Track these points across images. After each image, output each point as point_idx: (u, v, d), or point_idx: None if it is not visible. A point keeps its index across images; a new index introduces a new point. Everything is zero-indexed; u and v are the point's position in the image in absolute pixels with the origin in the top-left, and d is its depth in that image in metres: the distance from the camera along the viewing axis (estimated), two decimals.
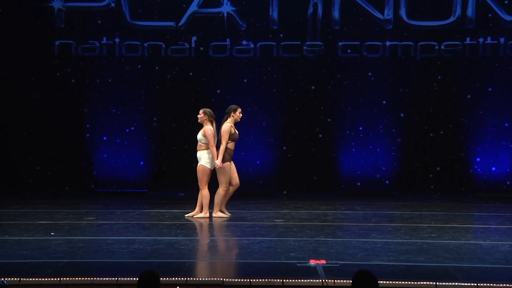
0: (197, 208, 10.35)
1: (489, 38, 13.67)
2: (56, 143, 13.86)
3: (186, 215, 10.44)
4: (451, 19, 13.75)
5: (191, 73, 13.95)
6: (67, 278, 6.57)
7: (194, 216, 10.35)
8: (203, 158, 10.29)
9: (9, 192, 13.40)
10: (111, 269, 7.18)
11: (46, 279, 6.57)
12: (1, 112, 13.83)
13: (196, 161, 13.83)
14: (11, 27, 13.75)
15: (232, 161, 10.34)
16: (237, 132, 10.35)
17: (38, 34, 13.78)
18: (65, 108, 13.90)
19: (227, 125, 10.22)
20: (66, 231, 9.35)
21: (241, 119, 10.39)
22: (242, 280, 6.58)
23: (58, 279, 6.54)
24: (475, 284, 6.49)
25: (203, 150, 10.31)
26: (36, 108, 13.84)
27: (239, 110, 10.37)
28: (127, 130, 13.89)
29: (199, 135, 10.32)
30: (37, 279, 6.55)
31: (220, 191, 10.27)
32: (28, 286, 6.47)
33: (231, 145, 10.26)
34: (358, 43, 13.82)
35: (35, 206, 11.75)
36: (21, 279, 6.51)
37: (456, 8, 13.70)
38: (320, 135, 13.97)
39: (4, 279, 6.14)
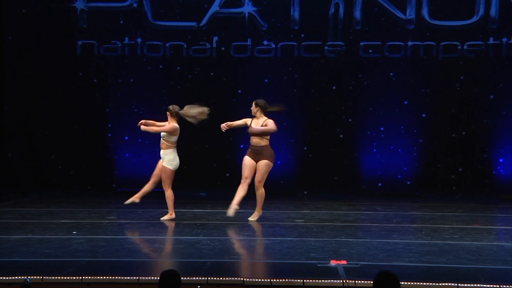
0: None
1: None
2: (79, 143, 13.95)
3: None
4: (474, 18, 13.65)
5: (212, 73, 13.97)
6: (89, 277, 6.61)
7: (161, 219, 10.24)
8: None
9: (32, 191, 13.51)
10: (133, 268, 7.22)
11: (68, 277, 6.61)
12: (25, 111, 13.94)
13: (216, 160, 13.88)
14: (34, 28, 13.86)
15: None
16: (252, 126, 10.00)
17: (61, 34, 13.88)
18: (87, 107, 13.98)
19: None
20: (88, 230, 9.42)
21: (253, 112, 10.11)
22: (262, 280, 6.58)
23: (80, 277, 6.59)
24: (497, 286, 6.45)
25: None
26: (59, 107, 13.93)
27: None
28: None
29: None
30: (59, 277, 6.60)
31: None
32: (50, 285, 6.52)
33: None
34: (380, 43, 13.76)
35: (57, 205, 11.84)
36: (44, 277, 6.56)
37: (479, 8, 13.59)
38: (341, 136, 13.93)
39: (27, 277, 6.20)
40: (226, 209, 9.99)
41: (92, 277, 6.61)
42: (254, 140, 10.04)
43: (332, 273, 6.90)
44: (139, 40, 13.93)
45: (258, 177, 9.98)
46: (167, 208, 10.38)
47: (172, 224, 10.07)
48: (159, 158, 10.40)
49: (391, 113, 13.80)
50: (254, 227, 9.91)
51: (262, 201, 10.11)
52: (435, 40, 13.68)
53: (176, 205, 11.20)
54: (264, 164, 10.01)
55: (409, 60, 13.78)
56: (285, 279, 6.60)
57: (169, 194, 10.19)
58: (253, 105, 10.16)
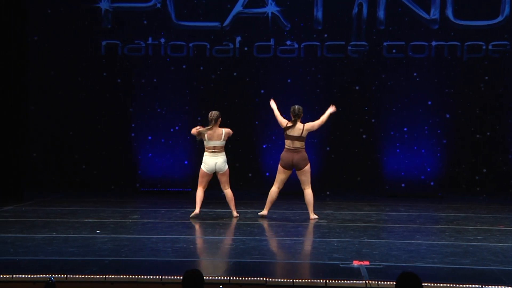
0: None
1: None
2: (102, 142, 14.05)
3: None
4: (499, 18, 13.54)
5: (235, 73, 14.00)
6: (112, 276, 6.65)
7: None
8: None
9: (56, 191, 13.62)
10: (156, 267, 7.26)
11: (92, 276, 6.66)
12: (49, 111, 14.07)
13: (238, 160, 13.90)
14: (59, 28, 13.97)
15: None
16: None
17: (86, 34, 13.99)
18: (111, 107, 14.07)
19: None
20: (111, 229, 9.48)
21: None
22: (285, 280, 6.58)
23: (104, 276, 6.63)
24: None
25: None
26: (83, 107, 14.04)
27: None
28: (172, 130, 13.99)
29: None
30: (83, 276, 6.65)
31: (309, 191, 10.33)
32: (74, 283, 6.57)
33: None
34: (404, 43, 13.70)
35: (81, 205, 11.93)
36: (68, 276, 6.61)
37: (504, 7, 13.48)
38: (364, 136, 13.89)
39: (52, 275, 6.26)
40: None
41: (116, 276, 6.64)
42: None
43: (355, 273, 6.88)
44: (162, 40, 14.00)
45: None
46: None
47: (195, 223, 10.10)
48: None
49: (415, 113, 13.74)
50: (276, 227, 9.92)
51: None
52: (460, 40, 13.59)
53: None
54: None
55: (433, 60, 13.70)
56: (307, 279, 6.60)
57: (198, 192, 10.35)
58: None
